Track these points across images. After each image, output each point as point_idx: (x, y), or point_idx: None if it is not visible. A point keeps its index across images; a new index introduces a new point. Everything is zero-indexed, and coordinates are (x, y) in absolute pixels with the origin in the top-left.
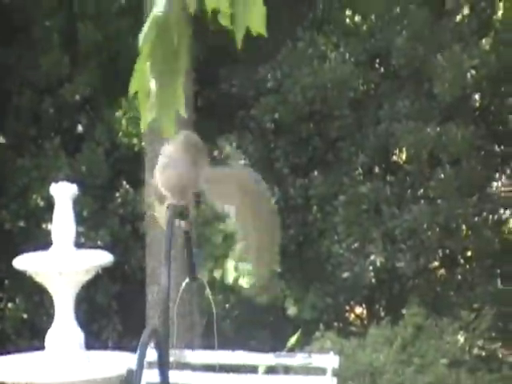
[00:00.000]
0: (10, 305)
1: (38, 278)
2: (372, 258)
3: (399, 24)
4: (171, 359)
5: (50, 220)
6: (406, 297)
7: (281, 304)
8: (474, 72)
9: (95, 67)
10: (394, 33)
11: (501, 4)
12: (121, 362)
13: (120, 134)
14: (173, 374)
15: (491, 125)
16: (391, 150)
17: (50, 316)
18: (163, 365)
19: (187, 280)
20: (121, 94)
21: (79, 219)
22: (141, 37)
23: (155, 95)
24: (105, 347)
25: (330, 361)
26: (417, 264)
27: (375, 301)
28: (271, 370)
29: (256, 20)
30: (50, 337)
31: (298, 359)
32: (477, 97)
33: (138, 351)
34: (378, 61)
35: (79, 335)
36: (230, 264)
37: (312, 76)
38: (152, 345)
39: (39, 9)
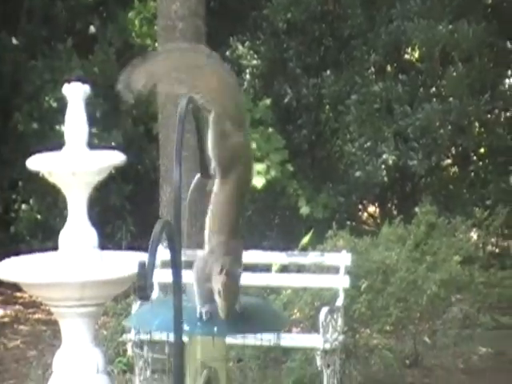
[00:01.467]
0: (23, 206)
1: (51, 179)
2: (384, 156)
3: None
4: (184, 259)
5: (63, 121)
6: (419, 195)
7: (293, 203)
8: None
9: None
10: None
11: None
12: (134, 261)
13: (133, 34)
14: (186, 274)
15: (503, 22)
16: (403, 48)
17: (63, 217)
18: (176, 263)
19: (198, 175)
20: None
21: (92, 120)
22: None
23: None
24: (118, 248)
25: (343, 259)
26: (429, 162)
27: (388, 199)
28: (284, 268)
29: None
30: (63, 237)
31: (311, 258)
32: None
33: (151, 243)
34: None
35: (92, 235)
36: None
37: None
38: (165, 244)
39: None
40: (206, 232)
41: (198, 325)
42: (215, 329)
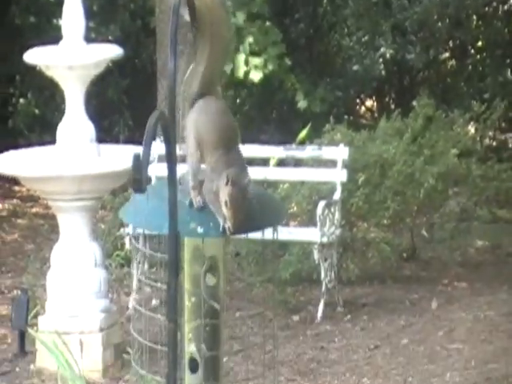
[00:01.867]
0: (21, 100)
1: (49, 72)
2: (382, 50)
3: None
4: (179, 152)
5: (61, 15)
6: (417, 89)
7: (291, 98)
8: None
9: None
10: None
11: None
12: (131, 155)
13: None
14: (181, 168)
15: None
16: None
17: (61, 111)
18: (171, 156)
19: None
20: None
21: (89, 14)
22: None
23: None
24: (116, 142)
25: (340, 153)
26: (427, 55)
27: (385, 93)
28: (282, 162)
29: None
30: (61, 131)
31: (308, 152)
32: None
33: (145, 134)
34: None
35: (90, 129)
36: (241, 58)
37: None
38: (161, 138)
39: None
40: (204, 152)
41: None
42: (211, 225)
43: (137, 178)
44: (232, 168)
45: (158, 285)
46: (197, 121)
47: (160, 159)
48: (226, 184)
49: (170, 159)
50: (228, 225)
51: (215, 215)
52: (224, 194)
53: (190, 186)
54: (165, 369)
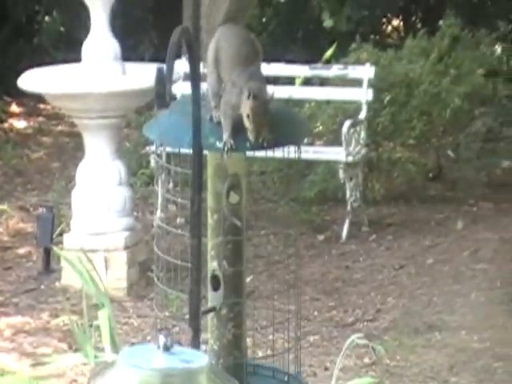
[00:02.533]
0: (46, 18)
1: None
2: None
3: None
4: (203, 70)
5: None
6: (443, 8)
7: (317, 16)
8: None
9: None
10: None
11: None
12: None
13: None
14: (204, 86)
15: None
16: None
17: (86, 29)
18: (194, 72)
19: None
20: None
21: None
22: None
23: None
24: (141, 60)
25: (366, 72)
26: None
27: (412, 13)
28: (307, 81)
29: None
30: (86, 48)
31: (334, 70)
32: None
33: (169, 48)
34: None
35: (115, 47)
36: None
37: None
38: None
39: None
40: (223, 71)
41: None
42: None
43: (160, 92)
44: (253, 82)
45: (181, 201)
46: (218, 41)
47: (186, 77)
48: (248, 97)
49: (194, 75)
50: (250, 137)
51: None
52: (246, 107)
53: (212, 105)
54: (188, 286)
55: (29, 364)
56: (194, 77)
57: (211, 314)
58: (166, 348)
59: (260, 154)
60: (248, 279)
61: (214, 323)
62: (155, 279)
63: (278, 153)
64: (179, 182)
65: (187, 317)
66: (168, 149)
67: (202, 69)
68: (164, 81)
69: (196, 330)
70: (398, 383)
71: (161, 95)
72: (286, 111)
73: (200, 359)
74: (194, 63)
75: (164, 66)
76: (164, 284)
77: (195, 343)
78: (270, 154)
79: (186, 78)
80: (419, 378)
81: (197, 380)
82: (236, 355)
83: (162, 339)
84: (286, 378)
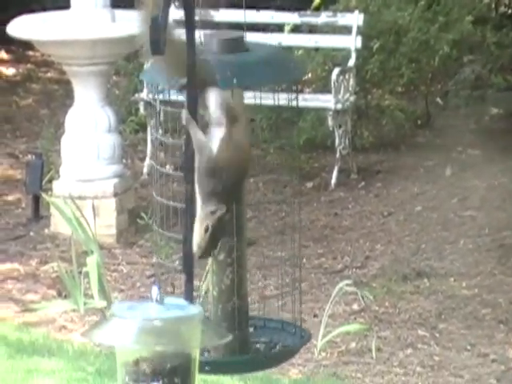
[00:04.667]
0: None
1: None
2: None
3: None
4: (197, 18)
5: None
6: None
7: None
8: None
9: None
10: None
11: None
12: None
13: None
14: (199, 33)
15: None
16: None
17: None
18: (190, 20)
19: None
20: None
21: None
22: None
23: None
24: (130, 8)
25: (355, 19)
26: None
27: None
28: (296, 29)
29: None
30: None
31: (323, 18)
32: None
33: None
34: None
35: None
36: None
37: None
38: (177, 4)
39: None
40: None
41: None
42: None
43: (154, 39)
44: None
45: (172, 142)
46: None
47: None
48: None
49: (189, 21)
50: None
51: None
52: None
53: None
54: (181, 232)
55: (17, 311)
56: (189, 23)
57: (208, 260)
58: (160, 299)
59: (250, 100)
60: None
61: (212, 269)
62: (152, 224)
63: (269, 100)
64: (170, 129)
65: (179, 263)
66: (158, 95)
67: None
68: (158, 28)
69: (189, 276)
70: (387, 330)
71: (155, 42)
72: (278, 53)
73: (192, 309)
74: (189, 8)
75: (159, 14)
76: (156, 231)
77: (188, 290)
78: (259, 100)
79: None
80: (408, 325)
81: (190, 328)
82: (235, 301)
83: (155, 290)
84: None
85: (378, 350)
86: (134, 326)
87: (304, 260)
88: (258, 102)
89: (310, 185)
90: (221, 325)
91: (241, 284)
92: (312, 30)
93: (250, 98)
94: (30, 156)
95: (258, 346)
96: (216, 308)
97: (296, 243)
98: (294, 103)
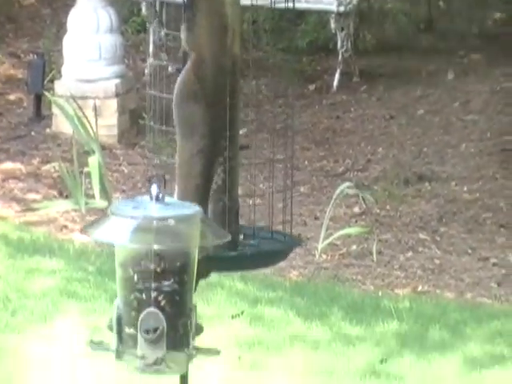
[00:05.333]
0: None
1: None
2: None
3: None
4: None
5: None
6: None
7: None
8: None
9: None
10: None
11: None
12: None
13: None
14: None
15: None
16: None
17: None
18: None
19: None
20: None
21: None
22: None
23: None
24: None
25: None
26: None
27: None
28: None
29: None
30: None
31: None
32: None
33: None
34: None
35: None
36: None
37: None
38: None
39: None
40: None
41: None
42: None
43: None
44: None
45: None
46: None
47: None
48: None
49: None
50: None
51: None
52: None
53: None
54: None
55: (19, 210)
56: None
57: None
58: (159, 198)
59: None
60: (241, 132)
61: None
62: (147, 124)
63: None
64: (171, 29)
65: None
66: None
67: None
68: None
69: None
70: (388, 233)
71: None
72: None
73: (192, 207)
74: None
75: None
76: (156, 132)
77: None
78: (261, 2)
79: None
80: (409, 228)
81: (190, 225)
82: (225, 201)
83: (154, 189)
84: (284, 238)
85: (379, 252)
86: (133, 224)
87: (305, 162)
88: (254, 2)
89: (312, 87)
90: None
91: (232, 184)
92: None
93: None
94: (31, 55)
95: (246, 248)
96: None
97: (291, 145)
98: (290, 4)
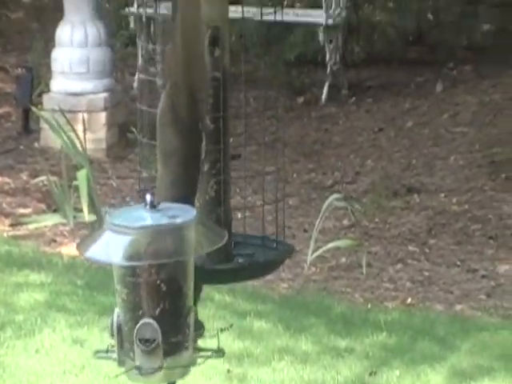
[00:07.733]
0: None
1: None
2: None
3: None
4: None
5: None
6: None
7: None
8: None
9: None
10: None
11: None
12: None
13: None
14: None
15: None
16: None
17: None
18: None
19: None
20: None
21: None
22: None
23: None
24: None
25: None
26: None
27: None
28: None
29: None
30: None
31: None
32: None
33: None
34: None
35: None
36: None
37: None
38: None
39: None
40: None
41: None
42: None
43: None
44: None
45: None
46: None
47: None
48: None
49: None
50: None
51: None
52: None
53: None
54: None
55: (8, 224)
56: None
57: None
58: (153, 206)
59: (237, 14)
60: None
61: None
62: (138, 137)
63: (258, 15)
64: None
65: None
66: (149, 10)
67: None
68: None
69: None
70: (377, 245)
71: None
72: None
73: (188, 213)
74: None
75: None
76: (144, 146)
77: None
78: (250, 15)
79: None
80: (398, 240)
81: (184, 234)
82: (219, 213)
83: (148, 197)
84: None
85: (368, 265)
86: (128, 235)
87: (294, 175)
88: (242, 15)
89: (300, 100)
90: None
91: (225, 196)
92: None
93: (234, 11)
94: (20, 69)
95: (240, 259)
96: None
97: (281, 158)
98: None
